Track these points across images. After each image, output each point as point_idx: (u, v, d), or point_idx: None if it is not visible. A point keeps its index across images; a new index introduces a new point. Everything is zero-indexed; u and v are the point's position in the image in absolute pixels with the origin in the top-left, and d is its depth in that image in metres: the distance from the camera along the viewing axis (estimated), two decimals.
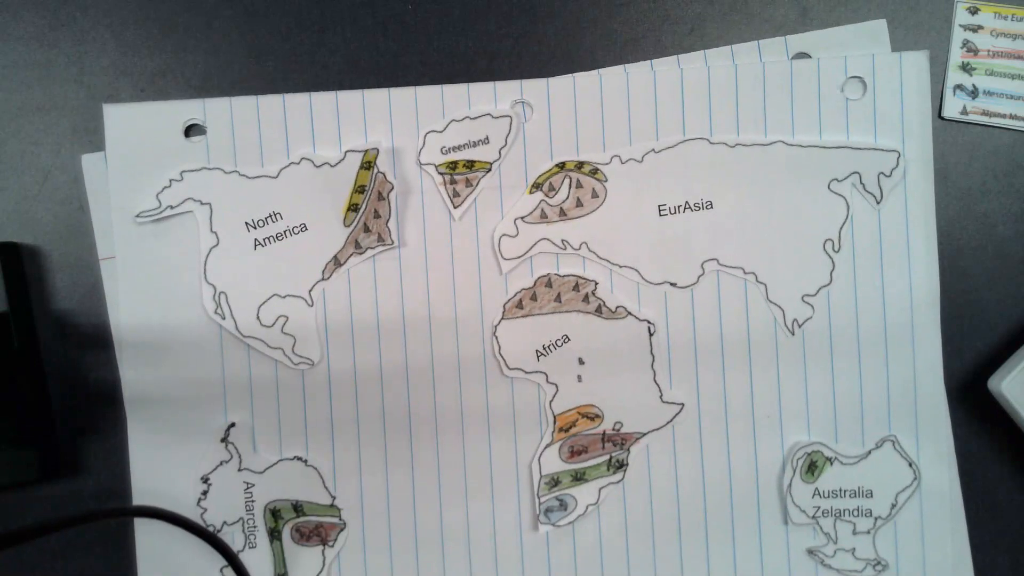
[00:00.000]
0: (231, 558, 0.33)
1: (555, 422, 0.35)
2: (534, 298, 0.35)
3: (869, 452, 0.34)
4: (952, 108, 0.35)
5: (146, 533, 0.35)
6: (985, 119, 0.35)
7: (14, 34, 0.35)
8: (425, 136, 0.35)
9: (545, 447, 0.35)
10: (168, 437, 0.35)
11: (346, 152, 0.34)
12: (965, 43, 0.35)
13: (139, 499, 0.35)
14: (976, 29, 0.35)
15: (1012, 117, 0.35)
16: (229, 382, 0.35)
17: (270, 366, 0.35)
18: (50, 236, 0.36)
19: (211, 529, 0.35)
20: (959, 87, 0.35)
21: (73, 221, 0.35)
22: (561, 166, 0.35)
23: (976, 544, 0.35)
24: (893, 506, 0.34)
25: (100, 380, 0.35)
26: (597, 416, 0.35)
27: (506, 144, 0.35)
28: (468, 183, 0.35)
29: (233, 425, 0.35)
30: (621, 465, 0.35)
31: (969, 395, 0.35)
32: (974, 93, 0.35)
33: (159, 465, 0.35)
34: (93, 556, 0.36)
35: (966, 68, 0.35)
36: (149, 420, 0.35)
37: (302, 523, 0.35)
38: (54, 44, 0.35)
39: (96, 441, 0.36)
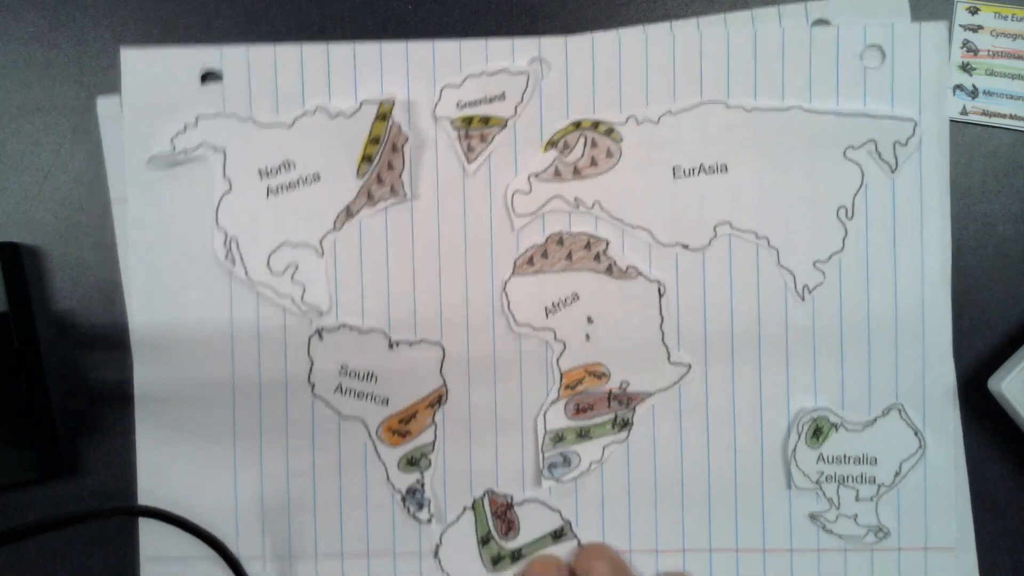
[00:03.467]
0: (231, 560, 0.33)
1: (562, 379, 0.35)
2: (545, 255, 0.35)
3: (875, 419, 0.34)
4: (952, 108, 0.35)
5: (150, 532, 0.35)
6: (985, 119, 0.35)
7: (14, 34, 0.35)
8: (441, 90, 0.34)
9: (551, 403, 0.35)
10: (176, 406, 0.35)
11: (361, 103, 0.34)
12: (965, 43, 0.35)
13: (144, 483, 0.35)
14: (976, 29, 0.35)
15: (1012, 117, 0.35)
16: (237, 332, 0.35)
17: (279, 315, 0.35)
18: (50, 236, 0.36)
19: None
20: (959, 87, 0.35)
21: (73, 221, 0.36)
22: (577, 125, 0.35)
23: (976, 543, 0.35)
24: (897, 474, 0.34)
25: (100, 380, 0.35)
26: (604, 375, 0.35)
27: (522, 101, 0.34)
28: (483, 138, 0.35)
29: None
30: (626, 424, 0.35)
31: (969, 395, 0.35)
32: (974, 93, 0.35)
33: (164, 462, 0.35)
34: (94, 555, 0.36)
35: (966, 68, 0.35)
36: (157, 371, 0.35)
37: None
38: (54, 44, 0.35)
39: (96, 441, 0.36)
